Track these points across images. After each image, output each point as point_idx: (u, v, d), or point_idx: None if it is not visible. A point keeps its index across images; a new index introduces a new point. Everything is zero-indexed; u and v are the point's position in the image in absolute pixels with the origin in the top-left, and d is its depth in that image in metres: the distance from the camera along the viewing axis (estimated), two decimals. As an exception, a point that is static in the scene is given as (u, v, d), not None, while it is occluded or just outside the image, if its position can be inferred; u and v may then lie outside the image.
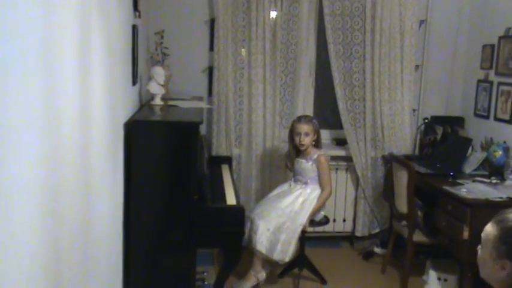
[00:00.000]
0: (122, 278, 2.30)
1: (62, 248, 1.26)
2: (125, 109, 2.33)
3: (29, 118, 0.99)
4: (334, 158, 3.77)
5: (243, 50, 3.56)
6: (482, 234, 1.39)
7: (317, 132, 3.07)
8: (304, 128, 3.02)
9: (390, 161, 3.46)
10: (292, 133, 3.09)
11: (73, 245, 1.39)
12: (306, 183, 3.03)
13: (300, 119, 3.09)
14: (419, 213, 3.17)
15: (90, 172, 1.59)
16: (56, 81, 1.19)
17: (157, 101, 2.89)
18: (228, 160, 3.53)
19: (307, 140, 3.01)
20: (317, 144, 3.09)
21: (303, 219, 2.94)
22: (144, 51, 3.04)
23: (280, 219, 2.92)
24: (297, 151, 3.10)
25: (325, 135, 4.03)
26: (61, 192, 1.24)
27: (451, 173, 3.20)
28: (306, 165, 3.03)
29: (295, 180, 3.09)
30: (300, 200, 2.98)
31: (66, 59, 1.28)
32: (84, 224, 1.53)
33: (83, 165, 1.50)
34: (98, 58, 1.68)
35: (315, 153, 3.02)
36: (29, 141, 1.00)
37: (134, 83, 2.57)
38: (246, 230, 2.88)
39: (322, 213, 3.10)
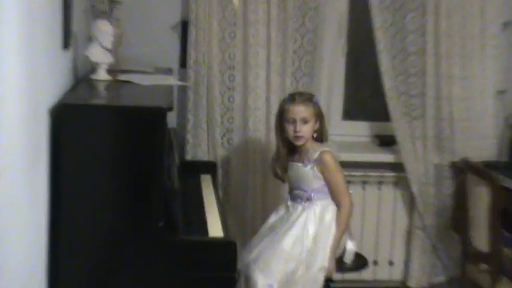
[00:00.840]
0: None
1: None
2: (51, 86, 2.32)
3: None
4: (376, 165, 3.83)
5: (235, -5, 3.60)
6: None
7: (320, 118, 3.08)
8: (300, 111, 3.01)
9: (464, 171, 3.45)
10: (282, 120, 3.08)
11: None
12: (309, 199, 3.03)
13: (293, 98, 3.07)
14: (507, 251, 3.17)
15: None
16: None
17: (102, 75, 2.90)
18: (210, 168, 3.55)
19: (305, 130, 3.02)
20: (320, 136, 3.11)
21: (323, 260, 2.92)
22: (81, -3, 3.05)
23: (288, 265, 2.91)
24: (289, 149, 3.12)
25: (362, 129, 4.05)
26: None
27: (559, 191, 3.19)
28: (304, 171, 3.04)
29: (294, 198, 3.10)
30: (310, 230, 2.97)
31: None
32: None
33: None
34: (10, 7, 1.67)
35: (315, 151, 3.02)
36: None
37: (66, 45, 2.56)
38: None
39: (351, 245, 3.06)
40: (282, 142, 3.08)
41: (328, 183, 3.01)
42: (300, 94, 3.12)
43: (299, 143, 3.02)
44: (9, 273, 1.75)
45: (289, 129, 3.00)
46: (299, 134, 2.99)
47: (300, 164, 3.04)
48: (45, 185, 2.25)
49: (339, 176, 3.03)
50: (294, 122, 2.98)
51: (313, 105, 3.04)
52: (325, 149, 3.03)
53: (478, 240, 3.26)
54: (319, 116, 3.06)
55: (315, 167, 3.01)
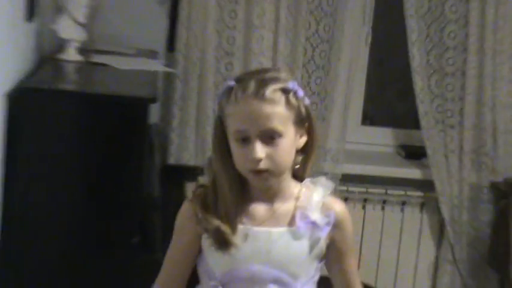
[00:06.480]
0: None
1: None
2: (10, 66, 2.32)
3: None
4: (399, 181, 3.80)
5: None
6: None
7: (307, 122, 1.86)
8: (263, 110, 1.75)
9: (507, 195, 3.45)
10: (225, 131, 1.82)
11: None
12: None
13: (247, 82, 1.76)
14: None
15: None
16: None
17: (72, 54, 2.90)
18: (198, 175, 3.45)
19: (277, 154, 1.78)
20: (306, 164, 1.91)
21: None
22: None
23: None
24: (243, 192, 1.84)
25: (385, 137, 4.01)
26: None
27: None
28: (297, 246, 1.87)
29: None
30: None
31: None
32: None
33: None
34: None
35: (317, 200, 1.88)
36: None
37: (30, 17, 2.55)
38: None
39: None
40: (231, 178, 1.79)
41: (340, 268, 1.95)
42: (262, 74, 1.81)
43: (264, 183, 1.81)
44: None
45: (239, 154, 1.77)
46: (260, 166, 1.75)
47: (281, 230, 1.84)
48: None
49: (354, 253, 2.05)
50: (247, 137, 1.76)
51: (290, 98, 1.79)
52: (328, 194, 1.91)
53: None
54: (305, 119, 1.85)
55: (316, 239, 1.89)
